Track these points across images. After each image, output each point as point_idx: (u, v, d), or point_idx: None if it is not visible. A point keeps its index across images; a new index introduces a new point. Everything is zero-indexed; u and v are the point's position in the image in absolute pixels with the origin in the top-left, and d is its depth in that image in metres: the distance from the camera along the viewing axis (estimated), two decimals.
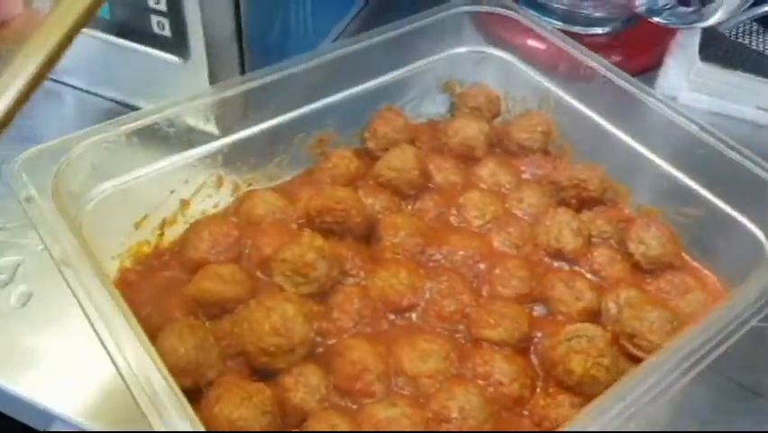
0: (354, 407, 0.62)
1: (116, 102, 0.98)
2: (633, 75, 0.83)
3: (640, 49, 1.14)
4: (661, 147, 0.81)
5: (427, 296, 0.71)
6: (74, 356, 0.71)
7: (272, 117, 0.81)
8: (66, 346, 0.72)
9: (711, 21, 0.96)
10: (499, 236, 0.78)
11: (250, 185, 0.82)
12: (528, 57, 0.92)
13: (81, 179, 0.67)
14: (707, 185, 0.77)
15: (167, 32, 0.81)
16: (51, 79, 0.84)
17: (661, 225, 0.77)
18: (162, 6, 0.81)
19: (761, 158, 0.73)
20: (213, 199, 0.80)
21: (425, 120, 0.96)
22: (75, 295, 0.55)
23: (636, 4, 1.03)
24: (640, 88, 0.82)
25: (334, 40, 1.11)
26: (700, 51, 1.09)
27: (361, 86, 0.87)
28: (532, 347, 0.68)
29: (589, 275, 0.76)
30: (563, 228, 0.76)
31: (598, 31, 1.14)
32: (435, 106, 0.98)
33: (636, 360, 0.65)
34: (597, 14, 1.13)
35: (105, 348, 0.51)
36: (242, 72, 0.87)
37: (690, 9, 1.01)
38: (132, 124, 0.68)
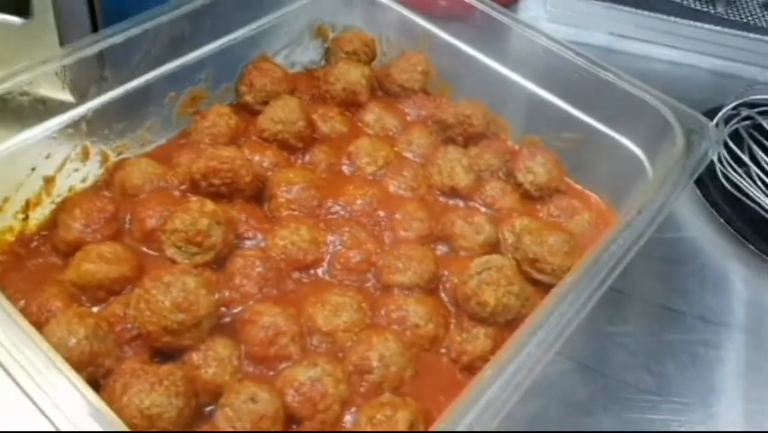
0: (271, 373, 0.60)
1: None
2: None
3: None
4: (537, 76, 0.82)
5: (331, 249, 0.69)
6: None
7: (135, 77, 0.74)
8: None
9: None
10: (394, 181, 0.77)
11: (120, 153, 0.75)
12: None
13: None
14: (583, 108, 0.80)
15: None
16: None
17: (545, 153, 0.79)
18: None
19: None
20: (80, 173, 0.72)
21: (300, 69, 0.92)
22: None
23: None
24: (511, 18, 0.82)
25: None
26: None
27: (229, 36, 0.82)
28: (441, 286, 0.68)
29: (483, 209, 0.77)
30: (455, 166, 0.77)
31: None
32: (308, 54, 0.94)
33: (538, 283, 0.67)
34: None
35: None
36: (95, 30, 0.78)
37: None
38: None
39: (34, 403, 0.44)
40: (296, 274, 0.67)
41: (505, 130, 0.86)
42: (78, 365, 0.53)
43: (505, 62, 0.84)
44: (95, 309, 0.62)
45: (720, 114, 0.97)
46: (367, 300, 0.65)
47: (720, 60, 1.17)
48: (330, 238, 0.69)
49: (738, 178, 0.91)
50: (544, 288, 0.65)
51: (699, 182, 0.91)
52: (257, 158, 0.75)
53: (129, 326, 0.59)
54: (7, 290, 0.62)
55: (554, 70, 0.81)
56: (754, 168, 0.93)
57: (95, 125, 0.71)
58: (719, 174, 0.91)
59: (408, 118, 0.87)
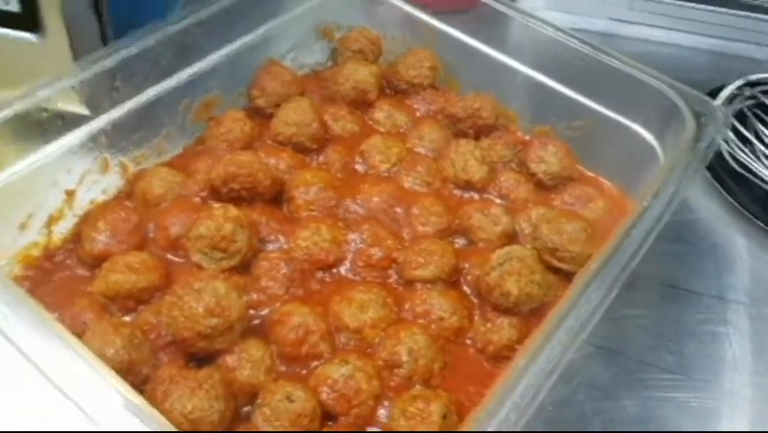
0: (303, 372, 0.61)
1: None
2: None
3: None
4: (543, 65, 0.83)
5: (352, 247, 0.70)
6: None
7: (148, 87, 0.74)
8: None
9: None
10: (409, 177, 0.78)
11: (139, 164, 0.76)
12: None
13: None
14: (590, 95, 0.81)
15: (13, 7, 0.71)
16: None
17: (556, 142, 0.80)
18: None
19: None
20: (100, 185, 0.73)
21: (308, 71, 0.93)
22: None
23: None
24: (514, 9, 0.83)
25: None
26: None
27: (237, 42, 0.83)
28: (462, 279, 0.69)
29: (498, 200, 0.78)
30: (468, 159, 0.78)
31: None
32: (314, 55, 0.95)
33: (558, 271, 0.68)
34: None
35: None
36: (104, 44, 0.79)
37: None
38: None
39: (81, 410, 0.45)
40: (319, 274, 0.68)
41: (514, 121, 0.87)
42: (118, 375, 0.55)
43: (511, 53, 0.85)
44: (126, 319, 0.63)
45: (723, 94, 0.98)
46: (391, 296, 0.66)
47: (719, 40, 1.18)
48: (350, 237, 0.70)
49: (744, 156, 0.92)
50: (565, 276, 0.67)
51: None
52: (273, 161, 0.76)
53: (162, 333, 0.60)
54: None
55: (560, 59, 0.82)
56: (759, 146, 0.94)
57: (113, 137, 0.72)
58: (725, 154, 0.93)
59: (418, 114, 0.88)
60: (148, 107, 0.74)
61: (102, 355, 0.54)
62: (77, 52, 0.74)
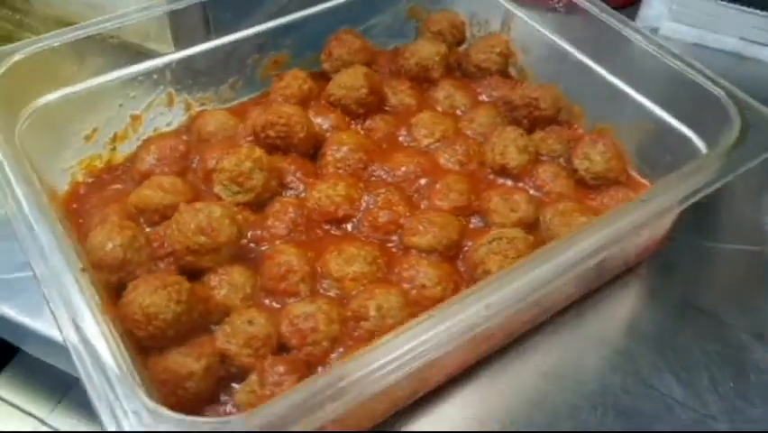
0: (279, 306, 0.64)
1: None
2: (616, 7, 0.82)
3: None
4: (619, 68, 0.79)
5: (363, 207, 0.71)
6: None
7: (229, 33, 0.81)
8: None
9: None
10: (446, 154, 0.78)
11: (203, 104, 0.83)
12: None
13: (20, 90, 0.68)
14: (660, 102, 0.76)
15: None
16: None
17: (608, 142, 0.76)
18: None
19: (739, 88, 0.71)
20: (165, 117, 0.81)
21: (392, 48, 0.96)
22: None
23: None
24: (602, 10, 0.80)
25: None
26: None
27: (324, 5, 0.87)
28: (461, 255, 0.68)
29: (532, 191, 0.75)
30: (509, 145, 0.76)
31: None
32: (404, 36, 0.98)
33: None
34: None
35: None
36: None
37: None
38: (72, 35, 0.70)
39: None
40: (326, 226, 0.71)
41: (578, 118, 0.83)
42: (110, 268, 0.61)
43: (590, 53, 0.82)
44: (147, 230, 0.70)
45: None
46: (385, 257, 0.67)
47: None
48: (365, 197, 0.72)
49: None
50: None
51: None
52: (320, 120, 0.80)
53: (165, 244, 0.66)
54: (87, 206, 0.73)
55: (637, 63, 0.77)
56: None
57: (180, 76, 0.79)
58: None
59: (481, 98, 0.87)
60: (219, 55, 0.81)
61: (101, 248, 0.62)
62: None
